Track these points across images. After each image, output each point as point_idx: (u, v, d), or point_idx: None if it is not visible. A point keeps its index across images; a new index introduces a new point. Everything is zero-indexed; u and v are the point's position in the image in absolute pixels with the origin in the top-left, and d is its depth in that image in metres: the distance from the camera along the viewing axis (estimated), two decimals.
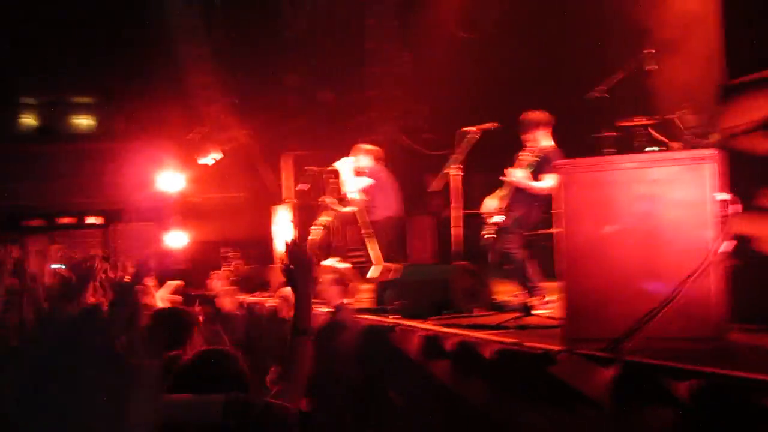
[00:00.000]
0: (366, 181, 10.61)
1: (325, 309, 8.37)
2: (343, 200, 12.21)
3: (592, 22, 11.04)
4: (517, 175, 7.99)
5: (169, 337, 4.66)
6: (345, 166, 10.71)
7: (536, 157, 8.04)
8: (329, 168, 12.46)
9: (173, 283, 8.93)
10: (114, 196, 19.25)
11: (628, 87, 10.33)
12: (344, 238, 11.41)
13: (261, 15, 17.92)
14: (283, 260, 3.75)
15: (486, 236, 8.30)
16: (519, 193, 8.07)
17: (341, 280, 8.07)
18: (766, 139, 4.98)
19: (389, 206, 10.75)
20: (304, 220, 14.38)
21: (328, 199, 12.35)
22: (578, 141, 10.29)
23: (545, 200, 8.04)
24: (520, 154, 8.24)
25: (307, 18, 16.95)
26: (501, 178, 8.22)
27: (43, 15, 20.31)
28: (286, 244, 3.82)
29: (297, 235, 13.18)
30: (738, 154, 5.16)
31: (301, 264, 3.70)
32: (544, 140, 8.14)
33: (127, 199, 19.23)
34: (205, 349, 3.39)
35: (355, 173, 10.69)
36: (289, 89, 18.60)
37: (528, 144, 8.17)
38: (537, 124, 8.10)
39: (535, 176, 7.99)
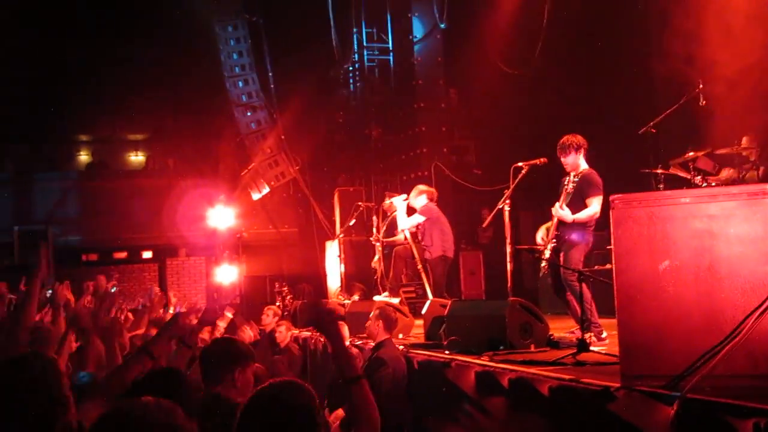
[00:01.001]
0: (419, 219, 10.84)
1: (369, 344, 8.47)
2: (394, 236, 12.34)
3: (642, 58, 11.06)
4: (561, 213, 8.01)
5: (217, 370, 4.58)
6: (401, 203, 11.01)
7: (575, 182, 8.07)
8: (385, 202, 12.62)
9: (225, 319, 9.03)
10: (167, 232, 19.52)
11: (680, 122, 10.34)
12: (398, 274, 11.51)
13: (310, 53, 18.19)
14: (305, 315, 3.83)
15: (543, 270, 8.31)
16: (563, 223, 8.09)
17: (386, 316, 8.12)
18: None
19: (443, 246, 10.90)
20: (353, 255, 14.49)
21: (377, 235, 12.49)
22: (629, 176, 10.31)
23: (594, 226, 8.06)
24: (563, 181, 8.27)
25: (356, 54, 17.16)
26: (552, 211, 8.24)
27: (98, 53, 20.77)
28: (300, 305, 3.92)
29: (311, 291, 13.38)
30: None
31: (321, 319, 3.70)
32: (582, 163, 8.17)
33: (180, 235, 19.48)
34: (277, 381, 3.21)
35: (408, 211, 10.97)
36: (340, 125, 18.82)
37: (567, 168, 8.20)
38: (578, 147, 8.12)
39: (580, 200, 8.01)
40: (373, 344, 8.24)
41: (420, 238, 10.99)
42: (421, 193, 11.17)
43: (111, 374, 3.50)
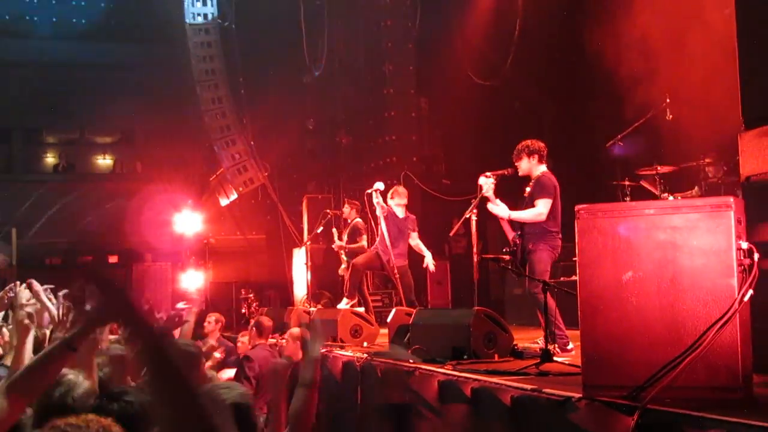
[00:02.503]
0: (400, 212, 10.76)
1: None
2: (356, 243, 12.27)
3: (610, 72, 11.12)
4: (495, 208, 8.07)
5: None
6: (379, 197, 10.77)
7: (531, 186, 8.13)
8: (344, 209, 12.55)
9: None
10: (133, 236, 19.36)
11: (646, 136, 10.42)
12: (356, 282, 11.41)
13: (281, 59, 18.14)
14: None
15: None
16: (527, 229, 8.10)
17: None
18: None
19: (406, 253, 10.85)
20: (320, 263, 14.44)
21: (338, 244, 12.43)
22: (597, 189, 10.37)
23: (556, 232, 8.07)
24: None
25: (326, 61, 17.13)
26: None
27: (66, 56, 20.63)
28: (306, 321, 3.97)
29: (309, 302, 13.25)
30: (758, 201, 5.18)
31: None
32: (538, 167, 8.20)
33: (146, 239, 19.33)
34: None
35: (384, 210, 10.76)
36: (309, 132, 18.78)
37: (521, 173, 8.25)
38: (530, 152, 8.17)
39: (532, 204, 8.05)
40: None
41: (391, 242, 10.73)
42: (401, 196, 11.01)
43: (30, 367, 3.34)
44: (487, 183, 8.19)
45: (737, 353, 4.45)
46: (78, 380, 3.91)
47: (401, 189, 11.15)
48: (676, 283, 4.66)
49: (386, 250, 10.67)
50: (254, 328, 9.75)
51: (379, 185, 10.79)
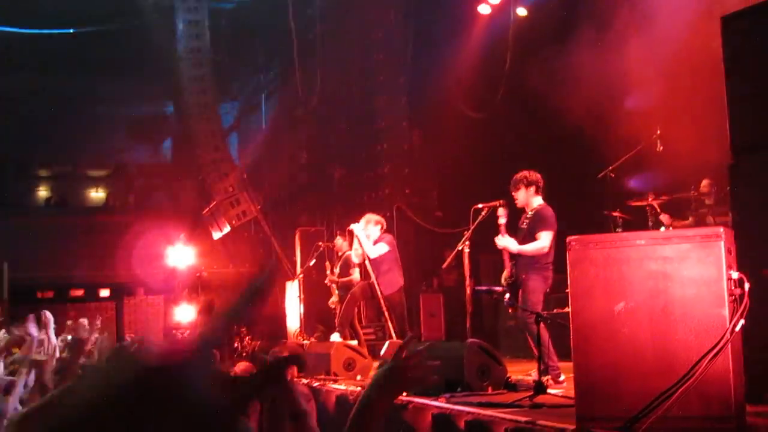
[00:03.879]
0: (386, 248, 10.64)
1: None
2: (349, 276, 12.25)
3: (602, 104, 11.21)
4: (503, 241, 8.07)
5: None
6: (361, 231, 10.73)
7: (528, 218, 8.15)
8: (336, 241, 12.56)
9: None
10: (125, 269, 19.32)
11: (638, 167, 10.49)
12: (349, 315, 11.39)
13: (274, 92, 18.24)
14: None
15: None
16: (521, 260, 8.11)
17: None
18: None
19: (400, 278, 10.79)
20: (313, 296, 14.40)
21: (331, 277, 12.41)
22: (588, 220, 10.40)
23: (549, 264, 8.07)
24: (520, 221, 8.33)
25: (319, 94, 17.21)
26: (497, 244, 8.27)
27: (59, 90, 20.69)
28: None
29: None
30: (748, 232, 5.21)
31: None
32: (535, 199, 8.22)
33: (138, 273, 19.30)
34: None
35: (372, 240, 10.72)
36: (302, 165, 18.83)
37: (517, 204, 8.27)
38: (528, 183, 8.19)
39: (532, 237, 8.05)
40: None
41: (375, 271, 10.70)
42: (377, 223, 10.93)
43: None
44: (503, 213, 8.22)
45: (730, 383, 4.46)
46: None
47: (370, 217, 11.06)
48: (668, 314, 4.67)
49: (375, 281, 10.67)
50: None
51: (352, 227, 10.83)
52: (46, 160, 23.83)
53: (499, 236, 8.16)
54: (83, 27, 18.75)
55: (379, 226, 10.89)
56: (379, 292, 10.63)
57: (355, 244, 10.97)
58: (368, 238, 10.71)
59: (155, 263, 18.75)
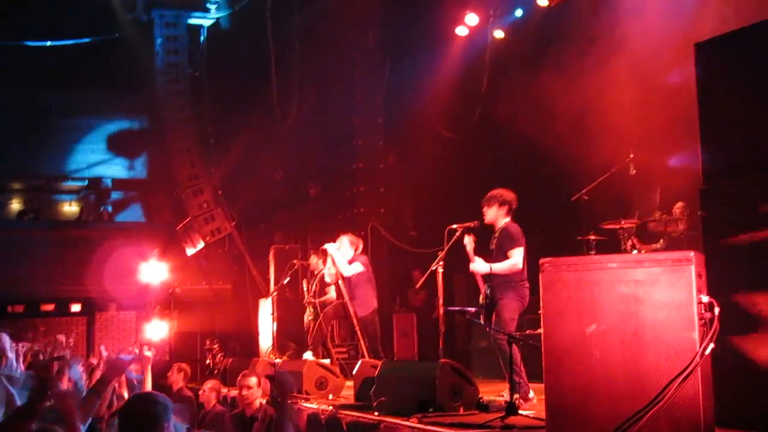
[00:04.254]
0: (360, 268, 10.67)
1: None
2: (326, 294, 12.25)
3: (576, 127, 11.31)
4: (475, 266, 8.11)
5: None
6: (335, 250, 10.76)
7: (496, 238, 8.19)
8: (311, 260, 12.55)
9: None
10: (97, 285, 19.16)
11: (611, 190, 10.56)
12: (322, 335, 11.39)
13: (250, 108, 18.23)
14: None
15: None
16: (495, 280, 8.13)
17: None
18: (744, 242, 5.08)
19: (375, 299, 10.82)
20: (286, 314, 14.35)
21: (309, 298, 12.40)
22: (562, 242, 10.45)
23: (524, 281, 8.10)
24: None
25: (296, 112, 17.22)
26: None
27: (33, 102, 20.58)
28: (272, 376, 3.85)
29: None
30: (718, 256, 5.26)
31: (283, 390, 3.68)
32: (504, 218, 8.26)
33: (111, 288, 19.15)
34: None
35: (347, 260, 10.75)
36: (277, 183, 18.80)
37: (485, 220, 8.30)
38: (501, 202, 8.23)
39: (502, 255, 8.08)
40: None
41: (349, 291, 10.74)
42: (352, 243, 10.97)
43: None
44: (469, 241, 8.25)
45: (699, 406, 4.50)
46: None
47: (345, 237, 11.09)
48: (639, 337, 4.71)
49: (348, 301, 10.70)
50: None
51: (326, 246, 10.86)
52: (18, 173, 23.64)
53: (471, 263, 8.19)
54: (59, 40, 18.67)
55: (354, 247, 10.93)
56: (352, 313, 10.65)
57: (329, 263, 10.98)
58: (342, 257, 10.74)
59: (128, 279, 18.61)
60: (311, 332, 11.62)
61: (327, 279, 11.31)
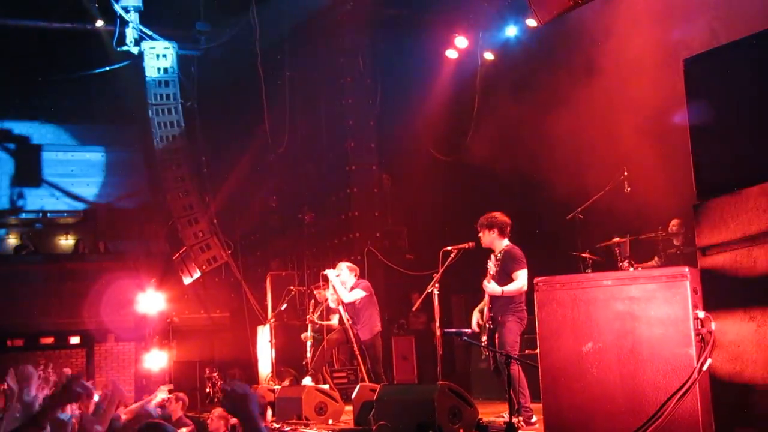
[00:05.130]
0: (361, 293, 10.69)
1: None
2: (329, 320, 12.25)
3: (570, 146, 11.34)
4: (489, 287, 8.11)
5: None
6: (335, 277, 10.80)
7: (498, 260, 8.19)
8: (320, 293, 12.56)
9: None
10: (95, 316, 19.10)
11: (606, 208, 10.58)
12: (323, 360, 11.38)
13: (243, 136, 18.26)
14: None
15: (484, 353, 8.35)
16: (497, 302, 8.14)
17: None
18: (739, 257, 5.08)
19: (378, 323, 10.85)
20: (284, 340, 14.32)
21: (311, 316, 12.38)
22: (557, 262, 10.45)
23: (523, 303, 8.10)
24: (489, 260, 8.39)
25: (288, 139, 17.24)
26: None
27: (29, 136, 20.62)
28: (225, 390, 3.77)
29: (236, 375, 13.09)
30: (712, 272, 5.26)
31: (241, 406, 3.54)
32: (501, 242, 8.28)
33: (109, 319, 19.09)
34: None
35: (349, 287, 10.79)
36: (272, 210, 18.80)
37: (483, 245, 8.32)
38: (490, 226, 8.26)
39: (506, 277, 8.09)
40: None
41: (351, 317, 10.75)
42: (351, 270, 11.05)
43: None
44: (492, 265, 8.29)
45: (698, 422, 4.50)
46: None
47: (342, 265, 11.15)
48: (636, 354, 4.72)
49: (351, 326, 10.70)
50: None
51: (326, 272, 10.91)
52: (14, 208, 23.64)
53: (486, 282, 8.20)
54: (53, 74, 18.73)
55: (353, 273, 11.00)
56: (352, 337, 10.66)
57: (330, 290, 11.04)
58: (344, 284, 10.78)
59: (126, 310, 18.56)
60: (312, 354, 11.61)
61: (331, 304, 11.34)
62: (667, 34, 10.17)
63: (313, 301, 13.06)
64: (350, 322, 10.68)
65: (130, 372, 19.97)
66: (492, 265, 8.29)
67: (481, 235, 8.35)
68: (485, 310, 8.35)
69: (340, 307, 10.84)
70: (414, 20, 15.01)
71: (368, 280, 11.61)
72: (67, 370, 9.76)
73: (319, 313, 12.46)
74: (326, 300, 12.18)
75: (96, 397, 9.93)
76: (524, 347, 10.48)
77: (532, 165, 12.43)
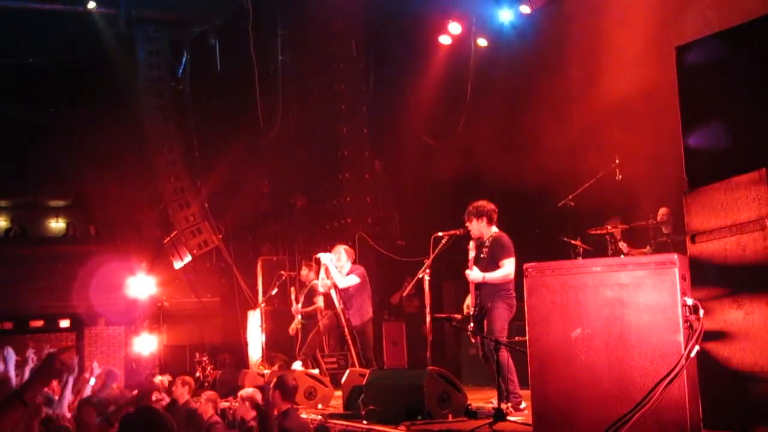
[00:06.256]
0: (356, 279, 10.63)
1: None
2: (313, 305, 12.24)
3: (561, 133, 11.34)
4: (471, 274, 8.11)
5: None
6: (330, 260, 10.71)
7: (487, 247, 8.18)
8: (302, 272, 12.55)
9: None
10: (85, 300, 19.07)
11: (597, 196, 10.60)
12: (315, 344, 11.39)
13: (236, 121, 18.22)
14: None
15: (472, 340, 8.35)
16: (485, 289, 8.14)
17: (282, 384, 7.92)
18: (728, 245, 5.09)
19: (370, 308, 10.80)
20: (275, 325, 14.34)
21: (296, 307, 12.38)
22: (548, 249, 10.47)
23: (512, 290, 8.11)
24: (467, 247, 8.39)
25: (281, 124, 17.21)
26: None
27: (18, 119, 20.52)
28: None
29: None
30: (701, 260, 5.27)
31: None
32: (489, 229, 8.26)
33: (99, 303, 19.07)
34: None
35: (342, 271, 10.71)
36: (264, 195, 18.78)
37: (472, 234, 8.31)
38: (478, 215, 8.24)
39: (494, 264, 8.08)
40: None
41: (343, 302, 10.70)
42: (349, 255, 10.95)
43: None
44: (472, 247, 8.27)
45: (685, 409, 4.50)
46: None
47: (340, 248, 11.06)
48: (624, 340, 4.71)
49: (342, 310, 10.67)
50: (277, 391, 8.02)
51: (321, 256, 10.81)
52: (5, 190, 23.55)
53: (468, 270, 8.19)
54: (43, 56, 18.62)
55: (351, 258, 10.93)
56: (344, 322, 10.63)
57: (322, 274, 10.92)
58: (341, 269, 10.70)
59: (116, 293, 18.57)
60: (299, 341, 11.61)
61: (320, 289, 11.25)
62: (661, 23, 10.15)
63: (293, 288, 13.06)
64: (342, 306, 10.64)
65: (120, 356, 19.98)
66: (472, 251, 8.28)
67: (469, 224, 8.32)
68: (471, 296, 8.35)
69: (332, 291, 10.78)
70: (407, 6, 14.97)
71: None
72: (52, 351, 9.70)
73: (303, 299, 12.46)
74: (310, 281, 12.15)
75: (92, 381, 9.96)
76: (514, 334, 10.53)
77: (524, 151, 12.42)
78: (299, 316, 12.45)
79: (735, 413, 4.87)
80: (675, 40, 7.02)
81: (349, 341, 10.75)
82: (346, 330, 10.73)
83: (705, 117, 5.82)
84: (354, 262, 11.08)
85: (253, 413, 8.41)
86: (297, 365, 10.80)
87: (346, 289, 10.67)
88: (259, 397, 8.71)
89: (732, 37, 5.76)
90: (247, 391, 8.81)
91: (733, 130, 5.64)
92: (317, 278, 11.42)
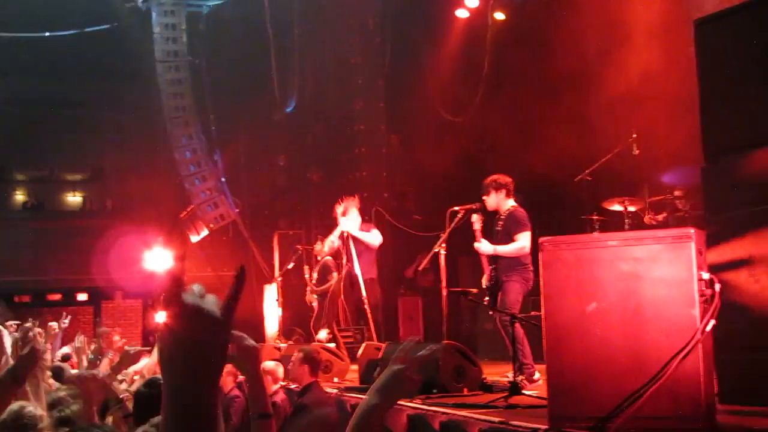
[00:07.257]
0: (380, 237, 10.74)
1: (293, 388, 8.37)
2: (327, 281, 12.28)
3: (579, 107, 11.27)
4: (480, 246, 8.12)
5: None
6: (354, 227, 10.79)
7: (502, 221, 8.19)
8: (316, 246, 12.59)
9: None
10: (103, 274, 19.20)
11: (614, 170, 10.54)
12: (333, 314, 11.44)
13: (252, 96, 18.21)
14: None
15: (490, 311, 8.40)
16: (502, 262, 8.15)
17: (311, 359, 7.98)
18: (745, 219, 5.07)
19: (375, 268, 10.88)
20: (291, 299, 14.39)
21: (312, 286, 12.42)
22: (565, 223, 10.45)
23: (529, 264, 8.11)
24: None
25: (297, 98, 17.21)
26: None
27: (36, 93, 20.58)
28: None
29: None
30: (718, 233, 5.25)
31: (243, 347, 3.37)
32: (506, 202, 8.26)
33: (116, 277, 19.20)
34: None
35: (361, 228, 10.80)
36: (280, 169, 18.80)
37: (488, 207, 8.32)
38: (497, 187, 8.24)
39: (508, 238, 8.09)
40: (299, 388, 8.13)
41: (349, 258, 10.73)
42: (357, 208, 11.05)
43: None
44: (477, 219, 8.27)
45: (700, 383, 4.50)
46: (37, 413, 3.91)
47: (349, 205, 11.09)
48: (640, 314, 4.70)
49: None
50: (306, 365, 7.95)
51: (345, 228, 10.86)
52: (23, 164, 23.66)
53: (477, 242, 8.21)
54: (59, 30, 18.65)
55: (357, 210, 11.00)
56: (357, 272, 10.64)
57: (335, 236, 10.99)
58: (361, 232, 10.80)
59: (133, 267, 18.67)
60: (316, 314, 11.66)
61: (325, 249, 11.30)
62: None
63: (307, 267, 13.08)
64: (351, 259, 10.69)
65: (138, 329, 20.13)
66: (477, 222, 8.27)
67: (486, 197, 8.31)
68: (486, 270, 8.37)
69: (350, 241, 10.79)
70: None
71: None
72: (53, 324, 9.75)
73: (317, 275, 12.50)
74: (324, 256, 12.20)
75: (109, 354, 10.01)
76: (531, 308, 10.53)
77: (541, 126, 12.37)
78: (315, 296, 12.49)
79: (752, 389, 4.87)
80: (694, 14, 6.97)
81: (367, 311, 10.78)
82: (362, 286, 10.73)
83: (723, 91, 5.78)
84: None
85: (275, 387, 8.47)
86: (323, 334, 10.88)
87: (358, 241, 10.71)
88: (281, 370, 8.77)
89: (752, 10, 5.71)
90: (268, 364, 8.84)
91: (752, 104, 5.60)
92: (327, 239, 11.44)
